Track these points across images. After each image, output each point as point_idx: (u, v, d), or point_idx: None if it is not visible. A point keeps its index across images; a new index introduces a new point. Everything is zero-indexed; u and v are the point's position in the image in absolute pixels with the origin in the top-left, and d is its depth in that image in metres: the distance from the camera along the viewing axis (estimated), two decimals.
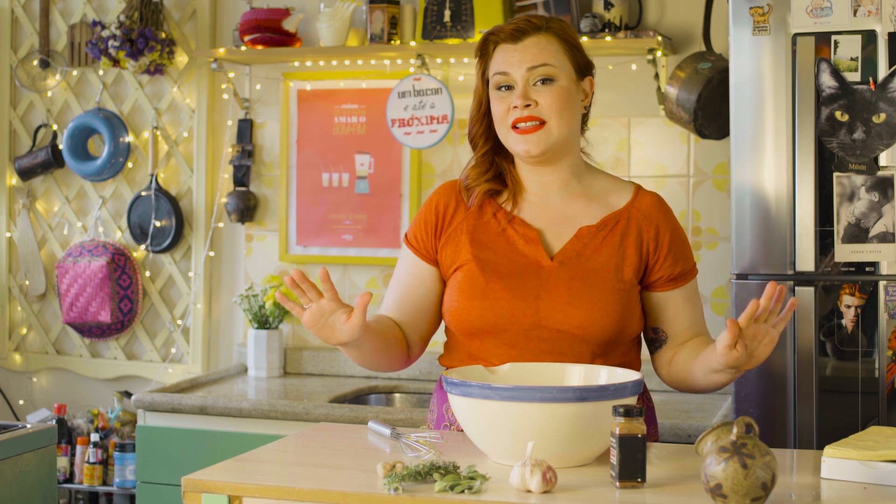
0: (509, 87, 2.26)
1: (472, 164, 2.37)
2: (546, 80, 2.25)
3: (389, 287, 2.39)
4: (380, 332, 2.25)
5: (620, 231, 2.28)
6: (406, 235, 2.38)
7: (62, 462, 3.99)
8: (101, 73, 4.26)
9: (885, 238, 2.78)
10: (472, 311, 2.24)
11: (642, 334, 2.35)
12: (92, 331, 4.24)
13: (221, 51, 3.97)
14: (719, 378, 2.14)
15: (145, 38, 4.01)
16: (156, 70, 4.13)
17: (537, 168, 2.32)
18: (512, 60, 2.25)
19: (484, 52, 2.32)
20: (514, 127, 2.25)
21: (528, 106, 2.23)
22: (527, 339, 2.22)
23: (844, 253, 2.80)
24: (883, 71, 2.77)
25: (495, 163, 2.35)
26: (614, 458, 1.79)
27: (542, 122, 2.24)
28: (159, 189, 4.18)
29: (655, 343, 2.33)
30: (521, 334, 2.22)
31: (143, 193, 4.20)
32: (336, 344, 2.12)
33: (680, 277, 2.29)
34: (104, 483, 3.99)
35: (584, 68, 2.31)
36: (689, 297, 2.31)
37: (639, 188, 2.36)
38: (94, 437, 3.96)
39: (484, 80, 2.32)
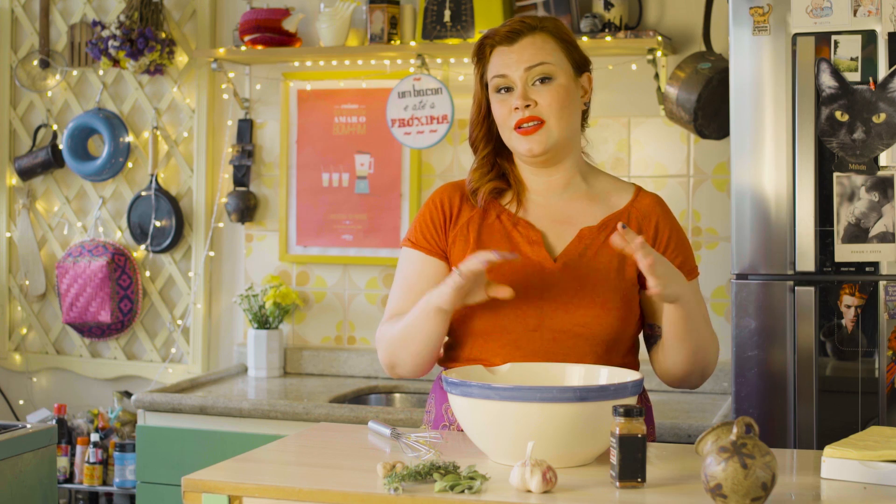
0: (509, 89, 2.26)
1: (475, 167, 2.37)
2: (544, 79, 2.25)
3: (395, 296, 2.33)
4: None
5: None
6: (408, 239, 2.34)
7: (62, 462, 3.99)
8: (101, 73, 4.26)
9: (885, 238, 2.78)
10: (476, 312, 2.24)
11: (641, 334, 2.34)
12: (92, 331, 4.24)
13: (221, 51, 3.97)
14: (669, 323, 2.18)
15: (145, 38, 4.01)
16: (156, 70, 4.13)
17: (540, 169, 2.32)
18: (509, 62, 2.26)
19: (481, 56, 2.32)
20: (518, 128, 2.25)
21: (527, 106, 2.23)
22: (530, 340, 2.22)
23: (844, 253, 2.80)
24: (883, 71, 2.77)
25: (497, 164, 2.35)
26: (614, 458, 1.79)
27: (542, 122, 2.24)
28: (159, 189, 4.18)
29: (651, 339, 2.32)
30: (524, 335, 2.22)
31: (143, 193, 4.19)
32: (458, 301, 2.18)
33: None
34: (104, 483, 3.99)
35: (581, 65, 2.32)
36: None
37: (639, 189, 2.36)
38: (94, 437, 3.96)
39: (482, 84, 2.33)
